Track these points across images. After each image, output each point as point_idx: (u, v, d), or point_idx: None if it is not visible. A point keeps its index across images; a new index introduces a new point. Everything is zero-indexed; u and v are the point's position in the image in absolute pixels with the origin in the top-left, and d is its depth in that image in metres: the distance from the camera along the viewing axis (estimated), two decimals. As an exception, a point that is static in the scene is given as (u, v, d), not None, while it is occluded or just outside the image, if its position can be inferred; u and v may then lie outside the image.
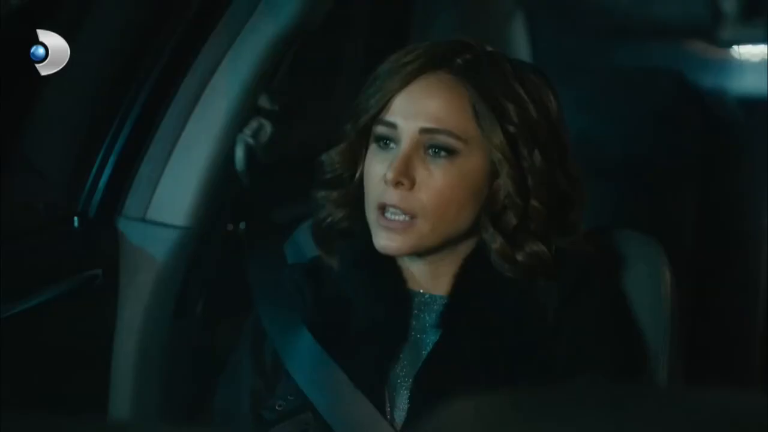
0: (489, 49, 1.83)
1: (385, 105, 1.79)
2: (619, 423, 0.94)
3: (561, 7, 3.50)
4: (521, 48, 3.52)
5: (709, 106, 3.15)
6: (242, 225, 2.42)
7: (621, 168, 3.06)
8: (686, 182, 3.08)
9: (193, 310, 2.37)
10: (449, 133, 1.76)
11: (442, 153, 1.76)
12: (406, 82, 1.78)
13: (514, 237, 1.79)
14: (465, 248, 1.83)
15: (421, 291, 1.83)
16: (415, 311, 1.83)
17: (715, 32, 3.32)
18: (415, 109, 1.77)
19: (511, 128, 1.77)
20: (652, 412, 0.95)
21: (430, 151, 1.77)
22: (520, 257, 1.79)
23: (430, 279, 1.83)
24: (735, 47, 3.61)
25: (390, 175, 1.75)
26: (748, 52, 3.74)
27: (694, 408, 0.96)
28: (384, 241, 1.77)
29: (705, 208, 3.06)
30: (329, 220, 1.86)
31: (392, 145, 1.78)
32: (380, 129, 1.79)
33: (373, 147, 1.81)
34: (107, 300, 2.28)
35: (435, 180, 1.76)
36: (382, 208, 1.77)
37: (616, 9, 3.35)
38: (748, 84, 3.70)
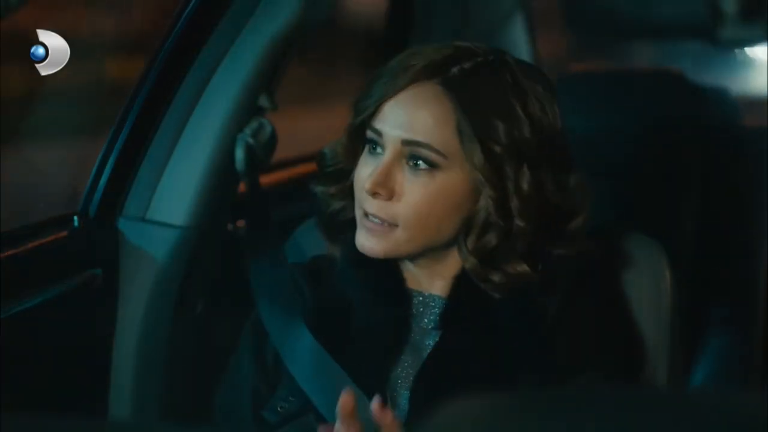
0: (492, 56, 1.78)
1: (375, 110, 1.78)
2: (620, 424, 0.94)
3: (561, 7, 3.50)
4: (521, 48, 3.51)
5: (709, 106, 3.14)
6: (242, 225, 2.42)
7: (621, 168, 3.06)
8: (686, 183, 3.07)
9: (193, 310, 2.37)
10: (430, 147, 1.74)
11: (423, 165, 1.75)
12: (396, 90, 1.77)
13: (493, 257, 1.77)
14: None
15: (421, 291, 1.83)
16: (415, 312, 1.83)
17: (715, 32, 3.32)
18: (400, 119, 1.76)
19: (498, 148, 1.73)
20: (652, 412, 0.95)
21: (410, 162, 1.75)
22: (495, 278, 1.77)
23: (427, 280, 1.83)
24: (735, 47, 3.61)
25: (367, 185, 1.75)
26: (748, 52, 3.74)
27: (694, 408, 0.96)
28: (362, 240, 1.78)
29: (705, 208, 3.06)
30: (330, 209, 1.87)
31: (379, 150, 1.78)
32: (369, 133, 1.79)
33: (365, 150, 1.81)
34: (107, 300, 2.28)
35: (413, 192, 1.75)
36: (364, 213, 1.78)
37: (616, 9, 3.34)
38: (748, 84, 3.70)
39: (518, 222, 1.75)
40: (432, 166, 1.75)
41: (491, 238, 1.76)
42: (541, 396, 0.99)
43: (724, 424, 0.93)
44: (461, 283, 1.81)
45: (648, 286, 1.94)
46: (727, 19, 3.29)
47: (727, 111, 3.18)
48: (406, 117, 1.76)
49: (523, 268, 1.76)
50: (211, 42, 2.29)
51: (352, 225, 1.84)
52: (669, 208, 3.04)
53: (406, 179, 1.75)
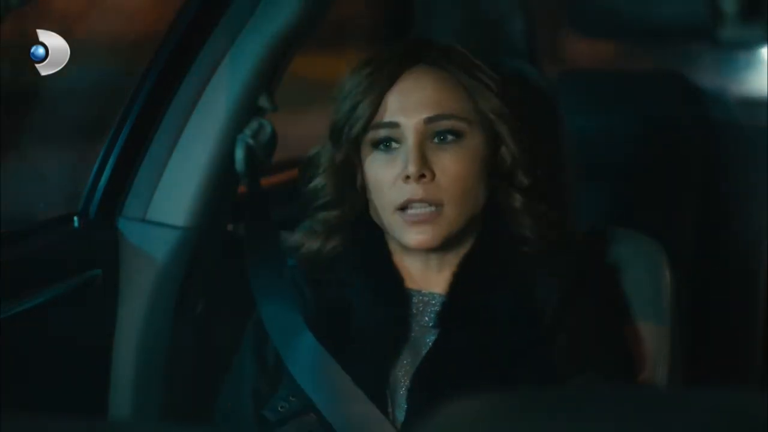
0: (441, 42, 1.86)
1: (377, 108, 1.78)
2: (619, 424, 0.94)
3: (561, 7, 3.50)
4: (521, 48, 3.51)
5: (709, 107, 3.14)
6: (242, 225, 2.42)
7: (621, 168, 3.06)
8: (686, 183, 3.07)
9: (193, 310, 2.37)
10: (453, 117, 1.78)
11: (450, 137, 1.77)
12: (392, 80, 1.79)
13: (528, 196, 1.82)
14: (465, 246, 1.83)
15: (420, 289, 1.83)
16: (415, 310, 1.83)
17: (715, 32, 3.32)
18: (413, 102, 1.78)
19: (501, 95, 1.81)
20: (652, 412, 0.95)
21: (436, 139, 1.78)
22: (542, 208, 1.82)
23: (430, 276, 1.83)
24: (735, 47, 3.60)
25: (412, 169, 1.75)
26: (748, 52, 3.74)
27: (694, 408, 0.96)
28: (415, 236, 1.77)
29: (705, 208, 3.06)
30: (316, 248, 1.85)
31: (395, 144, 1.78)
32: (380, 132, 1.79)
33: (372, 154, 1.80)
34: (107, 300, 2.28)
35: (451, 165, 1.77)
36: (403, 208, 1.77)
37: (616, 9, 3.34)
38: (748, 84, 3.69)
39: (538, 170, 1.83)
40: (458, 135, 1.78)
41: (523, 178, 1.81)
42: (541, 396, 0.99)
43: (724, 424, 0.93)
44: (460, 279, 1.81)
45: (648, 286, 1.94)
46: (727, 19, 3.29)
47: (726, 111, 3.18)
48: (418, 98, 1.78)
49: (547, 209, 1.82)
50: (211, 42, 2.29)
51: (338, 259, 1.84)
52: (669, 208, 3.04)
53: (436, 157, 1.77)
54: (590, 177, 1.84)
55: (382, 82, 1.79)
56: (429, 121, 1.77)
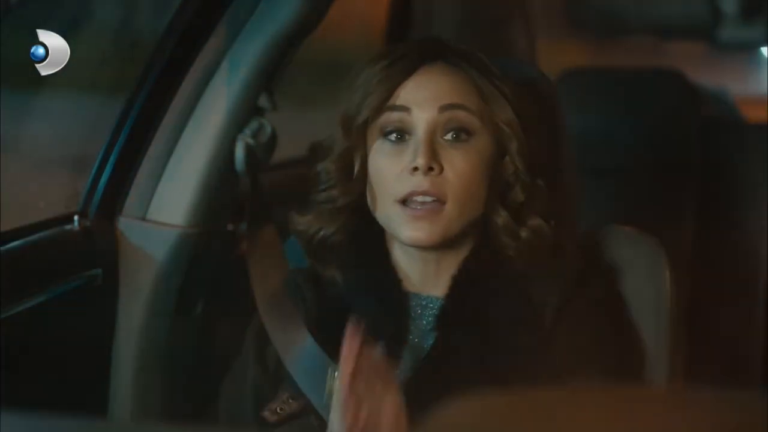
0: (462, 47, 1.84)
1: (389, 96, 1.78)
2: (619, 424, 0.94)
3: (561, 7, 3.50)
4: (521, 48, 3.51)
5: (709, 106, 3.15)
6: (242, 225, 2.42)
7: (621, 168, 3.06)
8: (686, 182, 3.08)
9: (193, 310, 2.37)
10: (467, 109, 1.76)
11: (462, 136, 1.75)
12: (408, 73, 1.78)
13: (519, 213, 1.80)
14: (464, 248, 1.82)
15: (419, 293, 1.83)
16: (414, 314, 1.82)
17: (715, 32, 3.32)
18: (428, 92, 1.77)
19: (515, 105, 1.79)
20: (651, 412, 0.95)
21: (448, 135, 1.76)
22: (523, 233, 1.79)
23: (429, 279, 1.82)
24: (735, 47, 3.61)
25: (421, 161, 1.72)
26: (748, 52, 3.74)
27: (694, 408, 0.96)
28: (412, 232, 1.75)
29: (705, 208, 3.06)
30: (321, 234, 1.85)
31: (406, 136, 1.77)
32: (391, 116, 1.77)
33: (378, 143, 1.78)
34: (107, 300, 2.28)
35: (459, 162, 1.75)
36: (404, 201, 1.75)
37: (616, 9, 3.35)
38: (748, 84, 3.70)
39: (539, 180, 1.80)
40: (468, 133, 1.76)
41: (518, 194, 1.79)
42: (540, 396, 0.99)
43: (724, 424, 0.93)
44: (458, 282, 1.80)
45: (648, 285, 1.94)
46: (727, 19, 3.30)
47: (727, 111, 3.19)
48: (434, 89, 1.77)
49: (542, 223, 1.79)
50: (211, 42, 2.29)
51: (339, 246, 1.84)
52: (669, 208, 3.04)
53: (445, 152, 1.75)
54: (590, 176, 1.83)
55: (397, 74, 1.77)
56: (442, 109, 1.75)
